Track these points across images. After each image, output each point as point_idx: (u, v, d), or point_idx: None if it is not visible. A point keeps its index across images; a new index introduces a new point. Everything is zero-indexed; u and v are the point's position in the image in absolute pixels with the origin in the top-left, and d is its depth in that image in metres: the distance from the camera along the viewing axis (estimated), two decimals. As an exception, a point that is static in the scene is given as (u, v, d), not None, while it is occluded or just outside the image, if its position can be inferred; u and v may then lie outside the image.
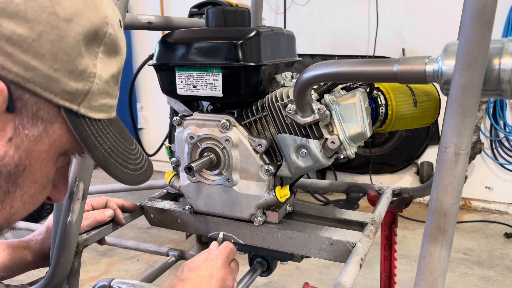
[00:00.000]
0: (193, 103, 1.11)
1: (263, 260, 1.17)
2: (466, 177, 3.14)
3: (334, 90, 0.98)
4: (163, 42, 1.02)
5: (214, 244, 1.02)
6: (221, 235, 1.07)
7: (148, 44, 4.89)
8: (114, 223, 1.11)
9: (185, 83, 1.01)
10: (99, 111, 0.59)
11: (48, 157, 0.57)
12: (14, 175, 0.54)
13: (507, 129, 3.64)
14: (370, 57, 3.80)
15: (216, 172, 1.03)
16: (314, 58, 3.80)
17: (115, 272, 2.85)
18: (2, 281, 1.00)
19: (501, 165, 3.73)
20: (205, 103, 1.12)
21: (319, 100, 0.95)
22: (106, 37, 0.57)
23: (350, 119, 0.95)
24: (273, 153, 1.01)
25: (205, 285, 0.85)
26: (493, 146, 3.74)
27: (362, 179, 4.11)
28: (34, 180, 0.57)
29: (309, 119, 0.93)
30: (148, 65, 1.14)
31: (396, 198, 1.31)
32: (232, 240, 1.07)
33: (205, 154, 1.02)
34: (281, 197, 0.99)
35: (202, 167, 0.99)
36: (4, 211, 0.56)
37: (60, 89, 0.53)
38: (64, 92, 0.54)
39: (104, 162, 0.61)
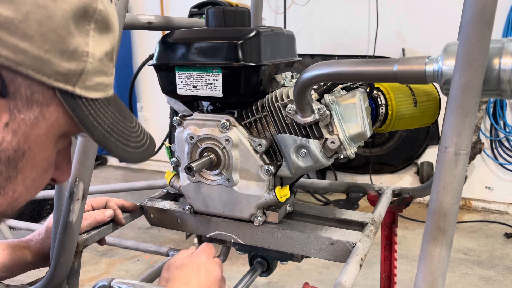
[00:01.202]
0: (193, 103, 1.11)
1: (263, 260, 1.17)
2: (466, 177, 3.13)
3: (334, 90, 0.98)
4: (163, 42, 1.02)
5: (192, 247, 1.03)
6: (195, 241, 1.07)
7: (148, 44, 4.89)
8: (114, 223, 1.11)
9: (185, 83, 1.01)
10: (95, 90, 0.57)
11: (47, 140, 0.56)
12: (13, 160, 0.53)
13: (507, 129, 3.64)
14: (370, 57, 3.80)
15: (216, 172, 1.03)
16: (314, 58, 3.80)
17: (115, 272, 2.85)
18: (2, 281, 1.00)
19: (501, 165, 3.73)
20: (205, 103, 1.12)
21: (319, 100, 0.95)
22: (96, 13, 0.55)
23: (350, 119, 0.95)
24: (273, 153, 1.01)
25: (194, 278, 0.86)
26: (493, 146, 3.74)
27: (362, 179, 4.11)
28: (35, 164, 0.56)
29: (309, 119, 0.93)
30: (148, 65, 1.14)
31: (396, 198, 1.31)
32: (233, 240, 1.08)
33: (205, 154, 1.02)
34: (281, 197, 1.00)
35: (202, 167, 0.99)
36: (7, 196, 0.55)
37: (52, 70, 0.52)
38: (57, 73, 0.52)
39: (104, 142, 0.59)
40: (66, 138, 0.61)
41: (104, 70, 0.58)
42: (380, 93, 1.11)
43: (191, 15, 3.47)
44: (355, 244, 0.95)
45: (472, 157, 3.61)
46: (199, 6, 3.49)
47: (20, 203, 0.58)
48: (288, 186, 1.02)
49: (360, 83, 1.03)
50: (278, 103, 0.98)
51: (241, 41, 0.94)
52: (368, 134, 0.97)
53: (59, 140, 0.59)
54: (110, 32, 0.59)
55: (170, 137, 3.66)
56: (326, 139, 0.94)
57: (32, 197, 0.59)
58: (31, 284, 1.02)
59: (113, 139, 0.60)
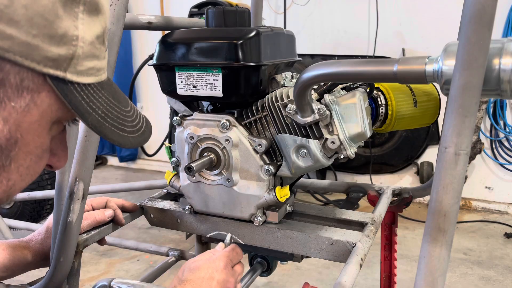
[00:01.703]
0: (193, 103, 1.11)
1: (263, 260, 1.17)
2: (466, 177, 3.13)
3: (334, 90, 0.98)
4: (163, 42, 1.02)
5: (220, 245, 1.02)
6: (228, 238, 1.05)
7: (148, 44, 4.89)
8: (114, 223, 1.11)
9: (185, 83, 1.01)
10: (87, 75, 0.56)
11: (40, 127, 0.55)
12: (6, 149, 0.52)
13: (507, 129, 3.64)
14: (370, 57, 3.80)
15: (216, 172, 1.03)
16: (314, 58, 3.80)
17: (115, 272, 2.85)
18: (2, 281, 1.00)
19: (501, 165, 3.73)
20: (205, 103, 1.12)
21: (319, 100, 0.95)
22: None
23: (350, 119, 0.95)
24: (273, 153, 1.01)
25: (204, 287, 0.85)
26: (493, 146, 3.74)
27: (362, 179, 4.11)
28: (28, 152, 0.55)
29: (309, 119, 0.93)
30: (148, 65, 1.14)
31: (396, 198, 1.31)
32: (233, 240, 1.07)
33: (205, 154, 1.02)
34: (281, 197, 0.99)
35: (202, 167, 0.99)
36: (1, 185, 0.54)
37: (41, 56, 0.50)
38: (46, 59, 0.51)
39: (99, 128, 0.58)
40: (60, 124, 0.60)
41: (95, 54, 0.57)
42: (380, 93, 1.11)
43: (191, 15, 3.48)
44: (355, 244, 0.95)
45: (472, 157, 3.61)
46: (199, 6, 3.49)
47: (15, 190, 0.57)
48: (288, 186, 1.02)
49: (360, 83, 1.03)
50: (278, 103, 0.98)
51: (241, 41, 0.94)
52: (368, 134, 0.97)
53: (53, 126, 0.58)
54: (100, 14, 0.57)
55: (170, 137, 3.66)
56: (326, 139, 0.94)
57: (27, 184, 0.58)
58: (31, 284, 1.03)
59: (108, 124, 0.59)
